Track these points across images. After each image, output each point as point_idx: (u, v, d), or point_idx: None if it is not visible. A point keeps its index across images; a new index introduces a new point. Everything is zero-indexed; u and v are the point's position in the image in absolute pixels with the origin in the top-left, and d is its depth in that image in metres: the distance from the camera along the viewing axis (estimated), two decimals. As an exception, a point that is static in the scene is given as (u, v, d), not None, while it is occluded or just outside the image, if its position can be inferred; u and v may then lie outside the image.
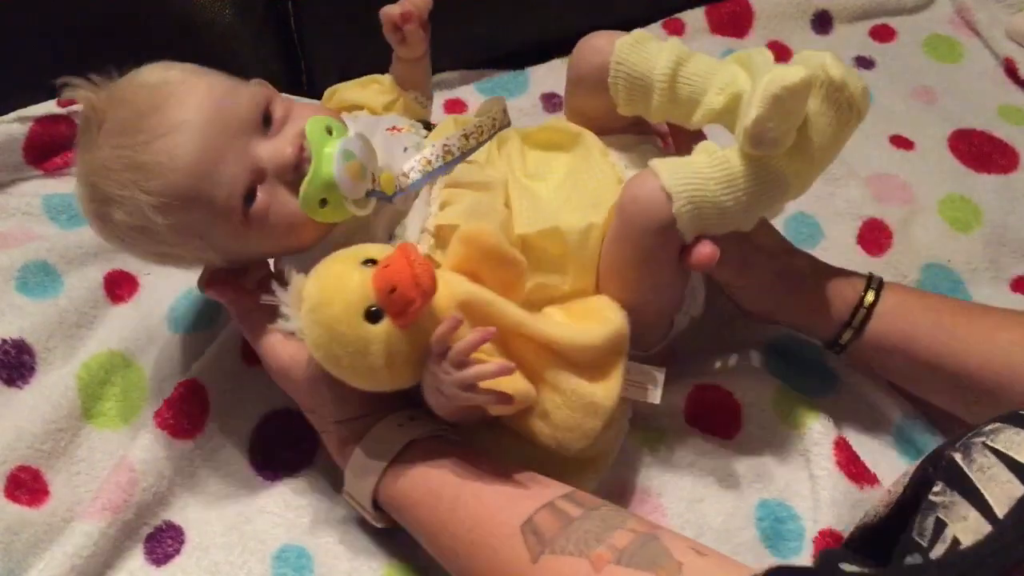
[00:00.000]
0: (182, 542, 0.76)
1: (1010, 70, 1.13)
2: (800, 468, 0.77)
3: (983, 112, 1.08)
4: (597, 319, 0.69)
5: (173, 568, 0.74)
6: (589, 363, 0.68)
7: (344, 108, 0.83)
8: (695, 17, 1.18)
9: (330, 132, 0.69)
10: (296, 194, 0.68)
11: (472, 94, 1.12)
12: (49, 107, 0.99)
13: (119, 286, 0.90)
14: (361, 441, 0.69)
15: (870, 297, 0.75)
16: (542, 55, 1.15)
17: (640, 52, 0.71)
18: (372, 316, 0.62)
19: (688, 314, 0.78)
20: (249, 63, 1.08)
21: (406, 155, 0.74)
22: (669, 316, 0.76)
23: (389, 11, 0.79)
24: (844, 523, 0.73)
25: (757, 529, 0.75)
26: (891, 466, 0.78)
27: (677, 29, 1.16)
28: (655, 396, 0.72)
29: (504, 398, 0.64)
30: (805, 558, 0.73)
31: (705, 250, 0.67)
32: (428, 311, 0.63)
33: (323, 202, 0.68)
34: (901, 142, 1.05)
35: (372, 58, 1.12)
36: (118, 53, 1.03)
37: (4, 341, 0.81)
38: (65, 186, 0.97)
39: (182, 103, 0.67)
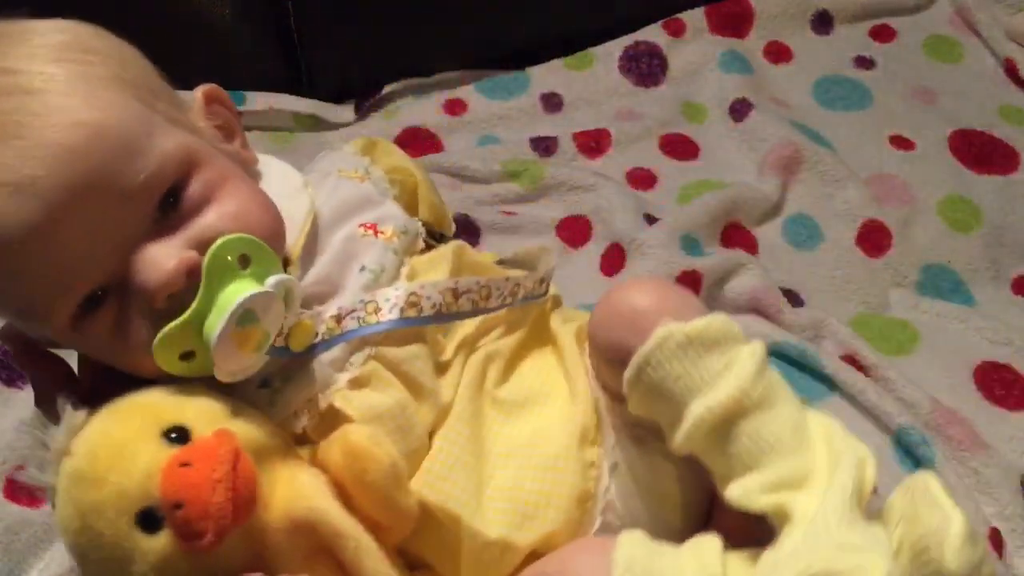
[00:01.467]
0: (182, 542, 0.75)
1: (1010, 70, 1.13)
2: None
3: (983, 112, 1.08)
4: None
5: (173, 568, 0.74)
6: None
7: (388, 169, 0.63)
8: (695, 17, 1.17)
9: (245, 264, 0.48)
10: (154, 326, 0.48)
11: (472, 94, 1.12)
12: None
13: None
14: None
15: None
16: (542, 55, 1.15)
17: (690, 364, 0.50)
18: (148, 522, 0.46)
19: None
20: (249, 63, 1.08)
21: (356, 279, 0.55)
22: None
23: None
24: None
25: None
26: (888, 472, 0.78)
27: (677, 29, 1.16)
28: None
29: None
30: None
31: None
32: (241, 532, 0.47)
33: (188, 355, 0.49)
34: (901, 142, 1.05)
35: (372, 58, 1.13)
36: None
37: (4, 341, 0.81)
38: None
39: (47, 140, 0.44)
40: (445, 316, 0.55)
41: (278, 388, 0.53)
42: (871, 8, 1.21)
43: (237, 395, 0.51)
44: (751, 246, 0.94)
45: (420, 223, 0.61)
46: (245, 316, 0.47)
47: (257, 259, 0.49)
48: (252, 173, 0.56)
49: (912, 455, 0.79)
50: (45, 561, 0.72)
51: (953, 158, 1.03)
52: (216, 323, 0.47)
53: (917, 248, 0.94)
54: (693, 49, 1.15)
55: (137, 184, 0.46)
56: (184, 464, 0.45)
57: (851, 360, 0.83)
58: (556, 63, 1.15)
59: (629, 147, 1.06)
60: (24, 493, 0.75)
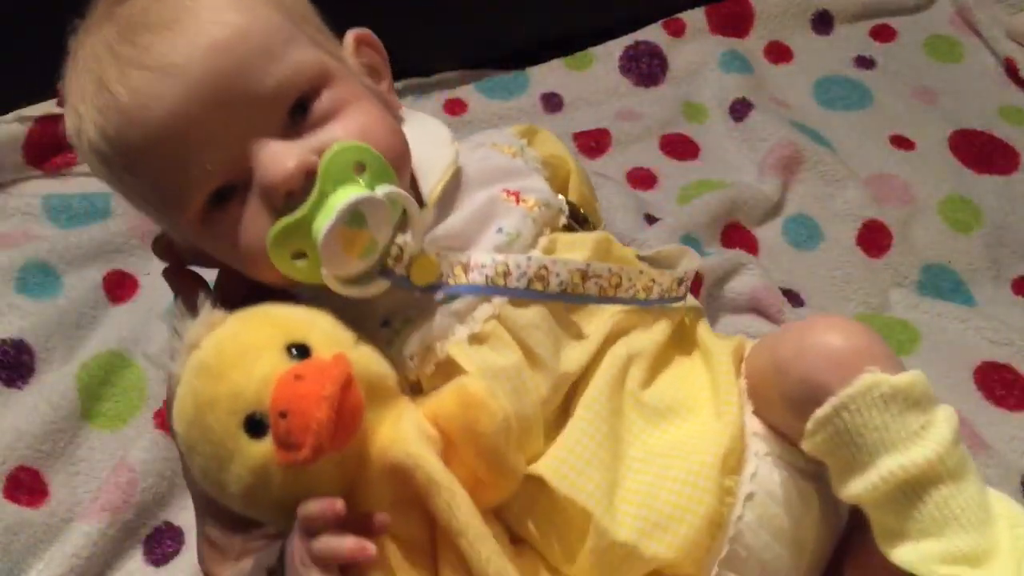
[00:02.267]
0: (181, 543, 0.76)
1: (1011, 70, 1.13)
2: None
3: (984, 112, 1.08)
4: None
5: (172, 568, 0.74)
6: None
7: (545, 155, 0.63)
8: (695, 17, 1.18)
9: (362, 169, 0.50)
10: (273, 224, 0.50)
11: (472, 94, 1.12)
12: (49, 107, 1.00)
13: (119, 286, 0.90)
14: None
15: None
16: (542, 55, 1.15)
17: (889, 418, 0.48)
18: (254, 427, 0.47)
19: None
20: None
21: (490, 239, 0.54)
22: None
23: None
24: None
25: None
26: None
27: (677, 29, 1.16)
28: None
29: None
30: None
31: None
32: (337, 458, 0.48)
33: (299, 255, 0.50)
34: (901, 142, 1.05)
35: (372, 58, 1.13)
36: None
37: (4, 341, 0.81)
38: (65, 186, 0.97)
39: (195, 32, 0.49)
40: (570, 296, 0.54)
41: (398, 329, 0.53)
42: (871, 8, 1.21)
43: (359, 330, 0.51)
44: (751, 246, 0.94)
45: (564, 199, 0.60)
46: (354, 218, 0.49)
47: (373, 170, 0.50)
48: (395, 117, 0.57)
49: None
50: (45, 561, 0.72)
51: (953, 158, 1.03)
52: (325, 220, 0.48)
53: (917, 248, 0.94)
54: (693, 49, 1.15)
55: (271, 86, 0.49)
56: (298, 377, 0.46)
57: (851, 360, 0.83)
58: (556, 63, 1.15)
59: (629, 147, 1.06)
60: (24, 493, 0.76)
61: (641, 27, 1.16)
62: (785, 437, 0.54)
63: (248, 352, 0.48)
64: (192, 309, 0.50)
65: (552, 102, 1.12)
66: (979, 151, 1.03)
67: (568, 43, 1.15)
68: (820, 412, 0.49)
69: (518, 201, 0.56)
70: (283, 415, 0.45)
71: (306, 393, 0.45)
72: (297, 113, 0.51)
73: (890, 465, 0.47)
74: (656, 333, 0.57)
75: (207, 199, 0.50)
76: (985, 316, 0.89)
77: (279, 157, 0.49)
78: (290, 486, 0.47)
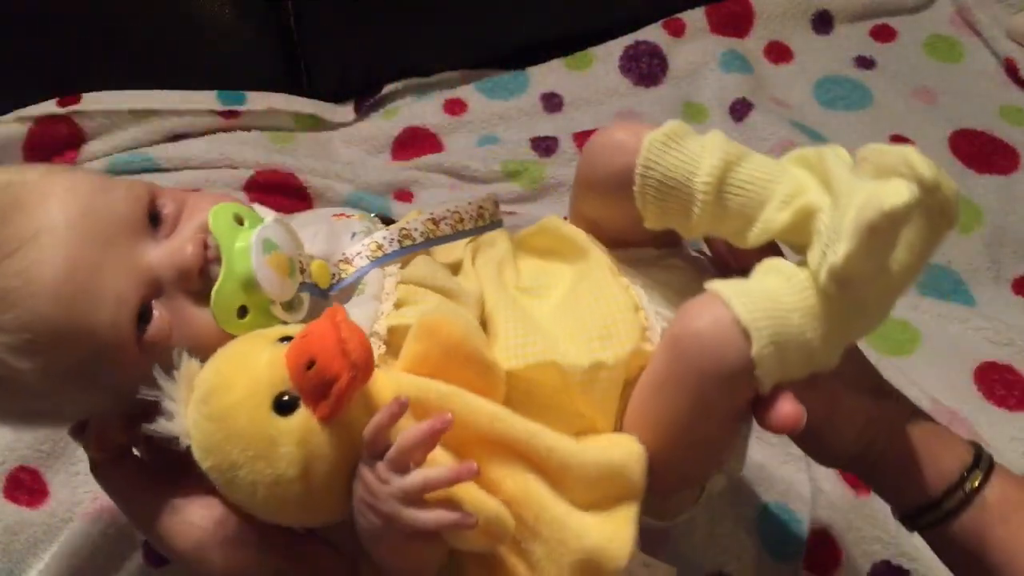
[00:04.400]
0: (181, 543, 0.76)
1: (1011, 70, 1.13)
2: (801, 472, 0.77)
3: (983, 112, 1.08)
4: (607, 441, 0.55)
5: (172, 569, 0.74)
6: (590, 498, 0.53)
7: None
8: (695, 17, 1.17)
9: (240, 222, 0.55)
10: (205, 305, 0.53)
11: (472, 94, 1.12)
12: (49, 107, 1.00)
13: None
14: None
15: (975, 480, 0.56)
16: (542, 55, 1.15)
17: (677, 152, 0.55)
18: (284, 407, 0.48)
19: (727, 474, 0.63)
20: (249, 63, 1.08)
21: (351, 240, 0.61)
22: (706, 478, 0.59)
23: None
24: (841, 528, 0.73)
25: (757, 531, 0.75)
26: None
27: (677, 29, 1.16)
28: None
29: (465, 520, 0.48)
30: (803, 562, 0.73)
31: (787, 409, 0.50)
32: (362, 404, 0.49)
33: (242, 311, 0.53)
34: (901, 142, 1.04)
35: (372, 58, 1.13)
36: (119, 53, 1.04)
37: (4, 341, 0.81)
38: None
39: (36, 208, 0.51)
40: (436, 240, 0.62)
41: None
42: (871, 8, 1.21)
43: None
44: (751, 246, 0.94)
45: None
46: (267, 245, 0.54)
47: (248, 216, 0.56)
48: None
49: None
50: (44, 561, 0.72)
51: (953, 158, 1.03)
52: (248, 260, 0.53)
53: (917, 248, 0.94)
54: (693, 49, 1.15)
55: (124, 208, 0.53)
56: (303, 337, 0.48)
57: (851, 360, 0.83)
58: (556, 63, 1.15)
59: (629, 147, 1.06)
60: (24, 493, 0.76)
61: (641, 27, 1.16)
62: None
63: (245, 356, 0.50)
64: (169, 374, 0.50)
65: (552, 102, 1.11)
66: (979, 151, 1.03)
67: (568, 43, 1.15)
68: (636, 185, 0.55)
69: (347, 216, 0.65)
70: (310, 365, 0.47)
71: (320, 334, 0.47)
72: (153, 224, 0.55)
73: (700, 181, 0.53)
74: (501, 245, 0.64)
75: (134, 325, 0.52)
76: (985, 316, 0.89)
77: (174, 247, 0.54)
78: (341, 443, 0.48)
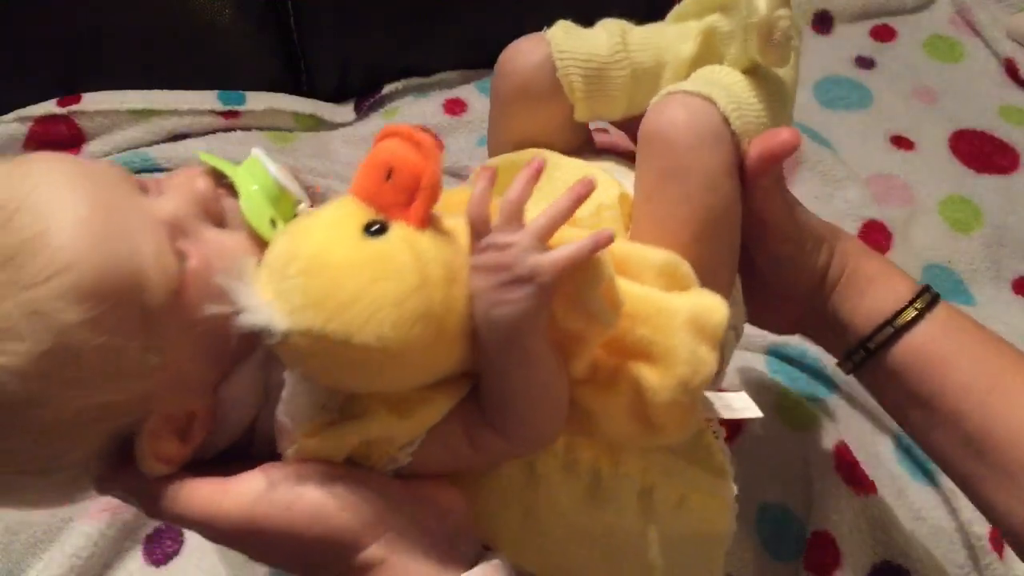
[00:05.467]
0: (181, 542, 0.76)
1: (1011, 70, 1.13)
2: (800, 472, 0.77)
3: (984, 112, 1.08)
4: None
5: (172, 568, 0.74)
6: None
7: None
8: (695, 17, 1.17)
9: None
10: (231, 230, 0.49)
11: (472, 94, 1.12)
12: (49, 107, 1.00)
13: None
14: None
15: (908, 315, 0.59)
16: (542, 55, 1.15)
17: (579, 36, 0.60)
18: (375, 232, 0.43)
19: (734, 328, 0.62)
20: (249, 63, 1.08)
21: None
22: (728, 287, 0.58)
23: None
24: (841, 528, 0.73)
25: (757, 531, 0.75)
26: (889, 474, 0.78)
27: (677, 29, 1.16)
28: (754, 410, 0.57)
29: (600, 237, 0.43)
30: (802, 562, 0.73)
31: (784, 135, 0.54)
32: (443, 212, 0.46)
33: (272, 224, 0.49)
34: (901, 142, 1.05)
35: (372, 58, 1.13)
36: (118, 53, 1.04)
37: (4, 341, 0.81)
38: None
39: (44, 183, 0.44)
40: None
41: None
42: (871, 8, 1.21)
43: None
44: (751, 246, 0.94)
45: None
46: (270, 158, 0.52)
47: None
48: None
49: (912, 456, 0.79)
50: (44, 562, 0.72)
51: (954, 158, 1.03)
52: (265, 169, 0.51)
53: (917, 248, 0.94)
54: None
55: (118, 171, 0.48)
56: (371, 155, 0.45)
57: (851, 360, 0.83)
58: (556, 63, 1.14)
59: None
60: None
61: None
62: None
63: (303, 222, 0.45)
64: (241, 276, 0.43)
65: (552, 102, 1.11)
66: (979, 151, 1.04)
67: (568, 43, 1.15)
68: (559, 72, 0.59)
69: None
70: (389, 174, 0.43)
71: (384, 145, 0.44)
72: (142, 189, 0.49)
73: (608, 47, 0.60)
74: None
75: (178, 262, 0.46)
76: (985, 316, 0.88)
77: (182, 183, 0.49)
78: (444, 246, 0.44)
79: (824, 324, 0.62)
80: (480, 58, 1.16)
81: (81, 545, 0.72)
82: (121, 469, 0.47)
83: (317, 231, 0.43)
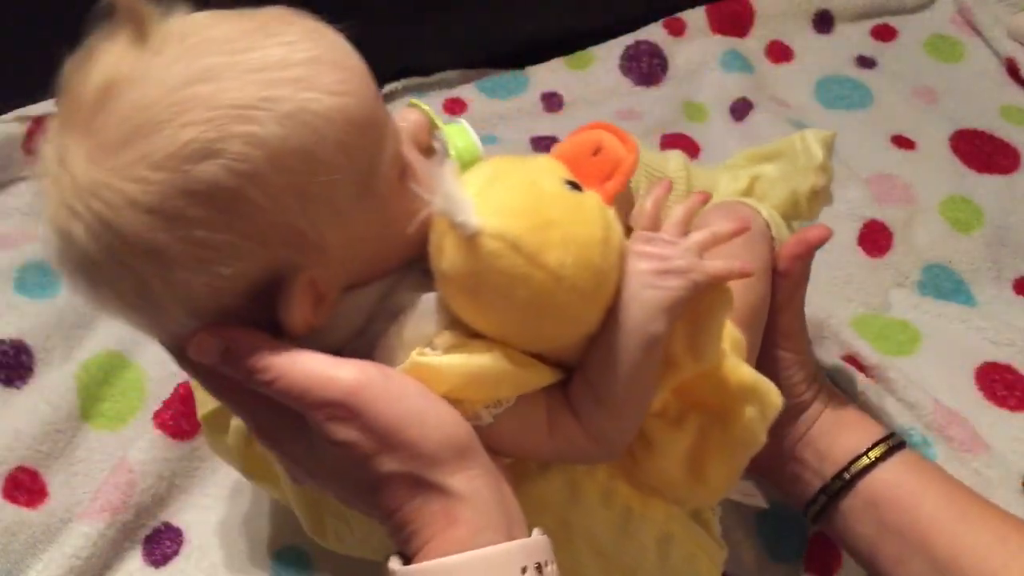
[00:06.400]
0: (181, 543, 0.76)
1: (1012, 70, 1.13)
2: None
3: (985, 112, 1.08)
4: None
5: (172, 569, 0.74)
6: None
7: None
8: (695, 17, 1.17)
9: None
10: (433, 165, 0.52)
11: (472, 93, 1.12)
12: (49, 107, 0.99)
13: (118, 286, 0.89)
14: None
15: (881, 450, 0.65)
16: (542, 55, 1.15)
17: (654, 153, 0.70)
18: (573, 188, 0.49)
19: None
20: (249, 63, 1.08)
21: None
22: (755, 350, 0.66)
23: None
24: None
25: (756, 531, 0.75)
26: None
27: (677, 29, 1.16)
28: (760, 500, 0.64)
29: (745, 267, 0.51)
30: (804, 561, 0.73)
31: (817, 229, 0.65)
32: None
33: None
34: (902, 142, 1.05)
35: (372, 58, 1.12)
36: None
37: (2, 341, 0.81)
38: (64, 186, 0.97)
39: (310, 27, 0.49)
40: None
41: None
42: (872, 7, 1.20)
43: None
44: (752, 246, 0.94)
45: None
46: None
47: None
48: None
49: (918, 456, 0.79)
50: (44, 562, 0.72)
51: (954, 158, 1.03)
52: (470, 137, 0.56)
53: (918, 248, 0.94)
54: (694, 48, 1.15)
55: None
56: (582, 133, 0.54)
57: (852, 360, 0.83)
58: (556, 63, 1.14)
59: (629, 147, 1.06)
60: (23, 493, 0.76)
61: (641, 27, 1.16)
62: None
63: (513, 162, 0.50)
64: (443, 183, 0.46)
65: (552, 102, 1.11)
66: (980, 151, 1.03)
67: (568, 43, 1.15)
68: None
69: None
70: (596, 151, 0.51)
71: (601, 129, 0.53)
72: None
73: (675, 166, 0.69)
74: None
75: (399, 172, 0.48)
76: (986, 316, 0.88)
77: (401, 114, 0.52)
78: (619, 224, 0.49)
79: (787, 458, 0.67)
80: (480, 58, 1.16)
81: (80, 546, 0.72)
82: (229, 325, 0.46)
83: (527, 163, 0.49)
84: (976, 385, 0.83)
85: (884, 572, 0.62)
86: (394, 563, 0.47)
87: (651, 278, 0.48)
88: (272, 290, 0.46)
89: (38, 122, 0.98)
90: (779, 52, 1.17)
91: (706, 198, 0.55)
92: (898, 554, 0.61)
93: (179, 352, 0.48)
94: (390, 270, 0.50)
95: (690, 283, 0.49)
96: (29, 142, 0.98)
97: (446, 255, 0.46)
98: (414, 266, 0.50)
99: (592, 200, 0.48)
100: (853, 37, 1.19)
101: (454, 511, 0.45)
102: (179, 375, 0.82)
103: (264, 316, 0.47)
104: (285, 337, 0.47)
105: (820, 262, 0.92)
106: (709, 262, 0.50)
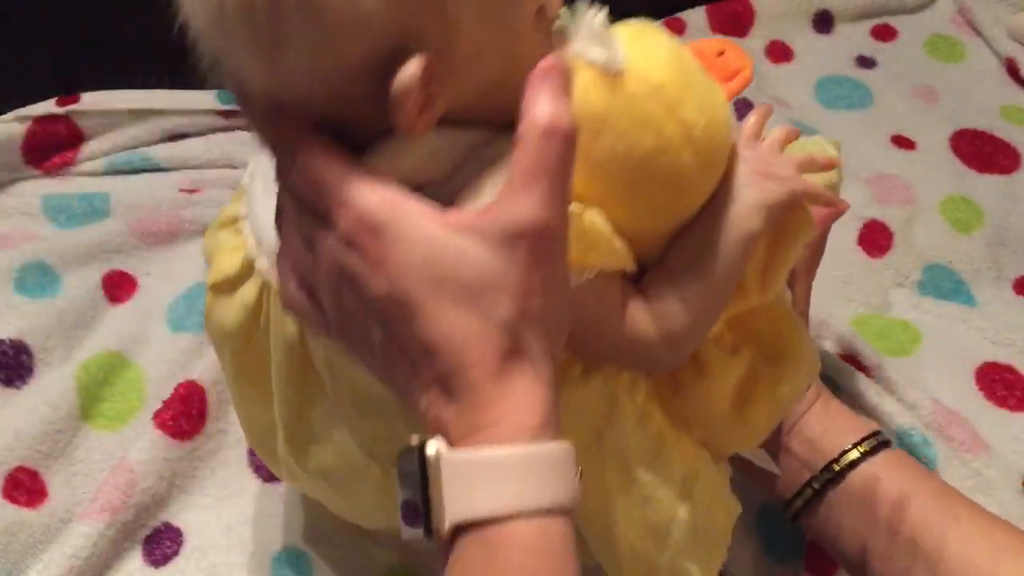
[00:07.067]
0: (181, 543, 0.76)
1: (1012, 70, 1.13)
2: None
3: (985, 112, 1.08)
4: None
5: (172, 569, 0.74)
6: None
7: None
8: (695, 16, 1.17)
9: None
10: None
11: (472, 94, 1.12)
12: (48, 107, 0.99)
13: (118, 287, 0.89)
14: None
15: (873, 442, 0.65)
16: (542, 55, 1.14)
17: None
18: None
19: None
20: (249, 63, 1.08)
21: None
22: None
23: None
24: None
25: (756, 531, 0.75)
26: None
27: (678, 29, 1.16)
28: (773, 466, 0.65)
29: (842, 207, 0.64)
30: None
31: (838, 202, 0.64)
32: None
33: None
34: (902, 142, 1.05)
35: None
36: (117, 53, 1.03)
37: (2, 342, 0.81)
38: (64, 186, 0.97)
39: None
40: None
41: None
42: (872, 7, 1.20)
43: None
44: (752, 246, 0.94)
45: None
46: None
47: None
48: None
49: (913, 456, 0.79)
50: (43, 562, 0.72)
51: (955, 158, 1.03)
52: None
53: (918, 248, 0.94)
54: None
55: None
56: (708, 41, 0.60)
57: (852, 360, 0.83)
58: (556, 63, 1.14)
59: (629, 147, 1.05)
60: (22, 494, 0.75)
61: (641, 26, 1.16)
62: None
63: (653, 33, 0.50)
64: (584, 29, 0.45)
65: (552, 102, 1.11)
66: (980, 151, 1.03)
67: (568, 43, 1.15)
68: None
69: None
70: (720, 53, 0.58)
71: (713, 38, 0.56)
72: None
73: None
74: None
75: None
76: (986, 316, 0.88)
77: None
78: None
79: (775, 448, 0.66)
80: (480, 58, 1.15)
81: (80, 546, 0.72)
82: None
83: (663, 43, 0.48)
84: (976, 385, 0.83)
85: (869, 567, 0.62)
86: (436, 444, 0.40)
87: (754, 178, 0.50)
88: (387, 79, 0.41)
89: (37, 122, 0.98)
90: (779, 52, 1.17)
91: (796, 133, 0.59)
92: (885, 548, 0.61)
93: (269, 110, 0.46)
94: (492, 121, 0.45)
95: (788, 190, 0.50)
96: (28, 142, 0.98)
97: (577, 95, 0.43)
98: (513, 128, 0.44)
99: (720, 88, 0.49)
100: (853, 37, 1.19)
101: (506, 401, 0.40)
102: (179, 375, 0.82)
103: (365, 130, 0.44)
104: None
105: (821, 261, 0.93)
106: (803, 178, 0.51)
